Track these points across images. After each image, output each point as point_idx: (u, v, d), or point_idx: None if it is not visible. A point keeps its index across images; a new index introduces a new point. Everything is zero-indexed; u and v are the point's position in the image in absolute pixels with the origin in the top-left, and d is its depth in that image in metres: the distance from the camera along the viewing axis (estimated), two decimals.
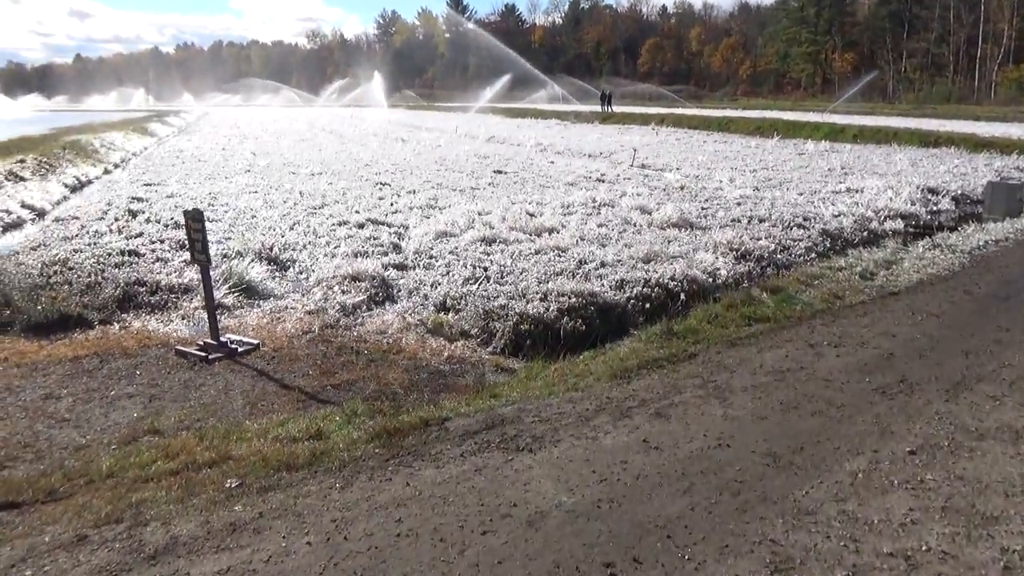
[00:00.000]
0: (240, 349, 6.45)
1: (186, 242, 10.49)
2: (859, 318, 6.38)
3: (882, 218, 12.95)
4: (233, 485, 3.51)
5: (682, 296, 8.26)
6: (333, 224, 11.87)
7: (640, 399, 4.58)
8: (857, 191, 15.59)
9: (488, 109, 66.86)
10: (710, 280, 9.01)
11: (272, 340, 6.82)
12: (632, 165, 21.23)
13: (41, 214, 14.85)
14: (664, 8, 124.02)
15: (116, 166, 24.27)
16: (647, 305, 7.97)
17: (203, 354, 6.26)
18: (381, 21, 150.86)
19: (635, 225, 12.01)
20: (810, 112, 45.80)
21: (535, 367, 5.84)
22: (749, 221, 12.36)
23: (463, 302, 7.73)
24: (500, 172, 19.39)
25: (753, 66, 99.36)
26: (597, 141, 29.87)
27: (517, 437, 4.03)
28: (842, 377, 5.08)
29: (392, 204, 13.84)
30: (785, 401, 4.58)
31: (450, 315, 7.52)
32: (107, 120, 46.32)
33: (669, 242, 10.78)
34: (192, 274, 8.76)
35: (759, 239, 11.03)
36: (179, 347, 6.48)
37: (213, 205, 13.79)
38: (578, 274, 8.77)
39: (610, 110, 51.09)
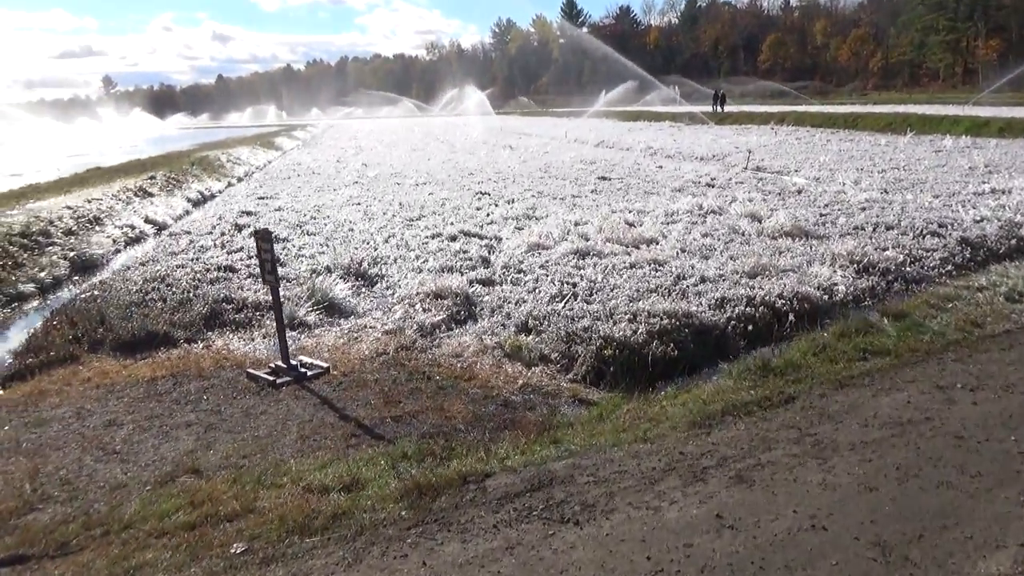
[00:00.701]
0: (310, 373, 6.24)
1: (280, 255, 10.61)
2: (1003, 352, 5.34)
3: None
4: (238, 551, 3.18)
5: (791, 317, 7.42)
6: (426, 237, 11.69)
7: (720, 456, 3.91)
8: (1003, 192, 13.90)
9: (601, 113, 66.09)
10: (825, 297, 8.09)
11: (345, 362, 6.59)
12: (746, 168, 20.05)
13: (162, 228, 15.57)
14: (786, 2, 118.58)
15: (240, 180, 25.40)
16: (750, 327, 7.20)
17: (271, 378, 6.09)
18: (496, 30, 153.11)
19: (743, 234, 11.11)
20: (949, 105, 42.15)
21: (613, 402, 5.25)
22: (874, 229, 11.17)
23: (546, 322, 7.24)
24: (604, 179, 18.76)
25: (885, 58, 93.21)
26: (710, 143, 28.59)
27: (564, 503, 3.48)
28: (979, 433, 4.12)
29: (488, 215, 13.54)
30: (903, 465, 3.73)
31: (531, 337, 7.04)
32: (240, 136, 49.17)
33: (780, 253, 9.86)
34: (281, 290, 8.73)
35: (885, 250, 9.91)
36: (250, 370, 6.35)
37: (315, 218, 13.97)
38: (674, 291, 8.08)
39: (722, 110, 49.17)
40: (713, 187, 16.62)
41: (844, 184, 15.82)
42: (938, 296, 6.78)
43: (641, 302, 7.61)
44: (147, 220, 15.81)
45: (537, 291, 8.37)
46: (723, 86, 62.92)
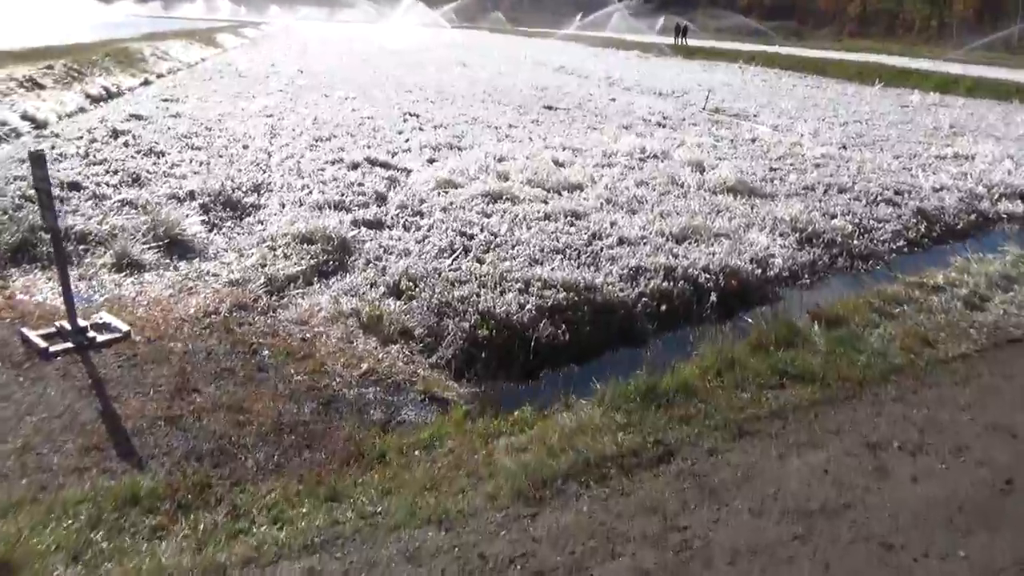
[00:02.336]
0: (99, 339, 4.92)
1: (145, 172, 9.08)
2: (957, 389, 4.20)
3: (996, 196, 10.43)
4: None
5: (713, 297, 6.30)
6: (325, 162, 10.20)
7: (534, 569, 2.77)
8: (967, 158, 12.91)
9: (571, 37, 63.48)
10: (758, 272, 6.99)
11: (157, 324, 5.28)
12: (704, 108, 18.71)
13: (42, 126, 13.67)
14: None
15: (159, 77, 23.07)
16: (663, 307, 6.06)
17: (44, 344, 4.76)
18: None
19: (682, 186, 9.90)
20: (921, 59, 40.97)
21: (455, 417, 4.06)
22: (826, 191, 10.07)
23: (423, 284, 6.00)
24: (550, 108, 17.25)
25: (863, 4, 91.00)
26: (673, 78, 27.04)
27: None
28: (917, 541, 2.94)
29: (407, 140, 12.04)
30: None
31: (399, 303, 5.80)
32: (182, 28, 45.52)
33: (718, 213, 8.70)
34: (120, 219, 7.29)
35: (834, 217, 8.83)
36: (25, 330, 4.99)
37: (211, 130, 12.29)
38: (584, 254, 6.88)
39: (684, 42, 47.36)
40: (664, 127, 15.30)
41: (802, 135, 14.64)
42: (884, 297, 5.64)
43: (541, 267, 6.40)
44: (24, 116, 13.84)
45: (426, 241, 7.08)
46: (680, 20, 60.33)
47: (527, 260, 6.60)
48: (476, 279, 6.07)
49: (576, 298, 5.78)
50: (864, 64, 32.86)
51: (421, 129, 13.23)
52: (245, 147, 10.99)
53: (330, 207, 8.07)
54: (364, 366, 4.86)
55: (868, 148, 13.58)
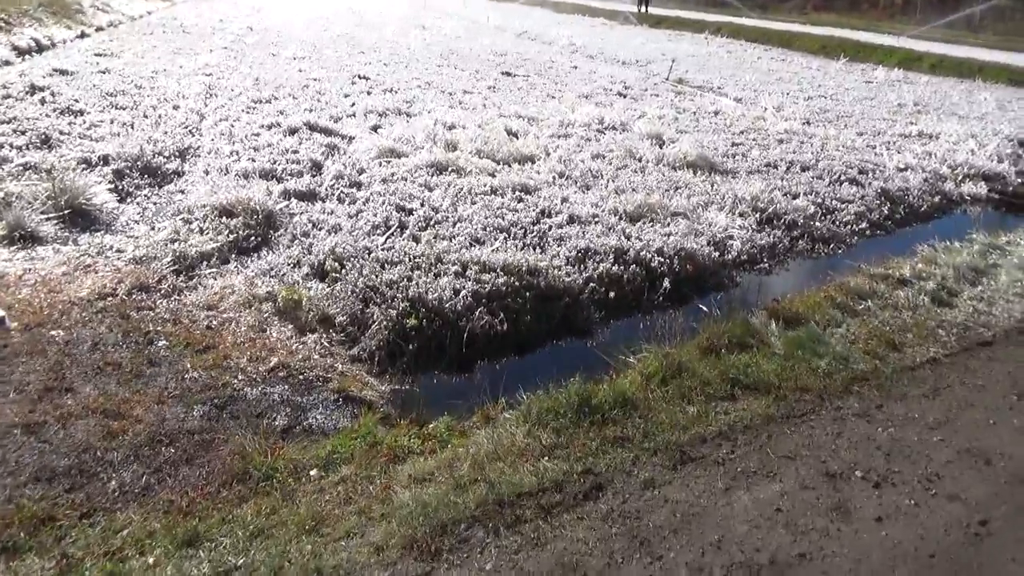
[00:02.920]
0: None
1: (57, 133, 8.29)
2: (926, 403, 3.76)
3: (960, 177, 10.14)
4: None
5: (666, 283, 5.86)
6: (261, 126, 9.49)
7: None
8: (931, 137, 12.62)
9: (536, 2, 62.01)
10: (715, 255, 6.56)
11: (43, 308, 4.66)
12: (667, 79, 18.20)
13: None
14: None
15: (98, 30, 21.78)
16: (612, 293, 5.60)
17: None
18: None
19: (640, 160, 9.42)
20: (885, 34, 40.89)
21: (363, 429, 3.55)
22: (788, 168, 9.68)
23: (350, 265, 5.44)
24: (508, 74, 16.57)
25: None
26: (638, 47, 26.42)
27: None
28: None
29: (353, 104, 11.32)
30: None
31: (322, 285, 5.25)
32: None
33: (676, 190, 8.25)
34: (18, 186, 6.57)
35: (796, 196, 8.44)
36: None
37: (141, 88, 11.42)
38: (531, 233, 6.37)
39: (647, 10, 46.66)
40: (625, 97, 14.76)
41: (766, 109, 14.23)
42: (847, 290, 5.19)
43: (482, 247, 5.89)
44: None
45: (360, 216, 6.50)
46: None
47: (468, 240, 6.07)
48: (410, 260, 5.53)
49: (518, 283, 5.28)
50: (829, 38, 32.56)
51: (369, 93, 12.50)
52: (176, 107, 10.19)
53: (260, 176, 7.44)
54: (273, 360, 4.32)
55: (832, 124, 13.24)
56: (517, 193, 7.41)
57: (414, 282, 5.11)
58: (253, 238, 6.04)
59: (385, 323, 4.70)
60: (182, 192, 7.07)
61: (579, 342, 5.18)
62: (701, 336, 4.39)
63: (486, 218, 6.58)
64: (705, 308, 5.60)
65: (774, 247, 7.15)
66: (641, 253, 6.13)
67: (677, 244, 6.41)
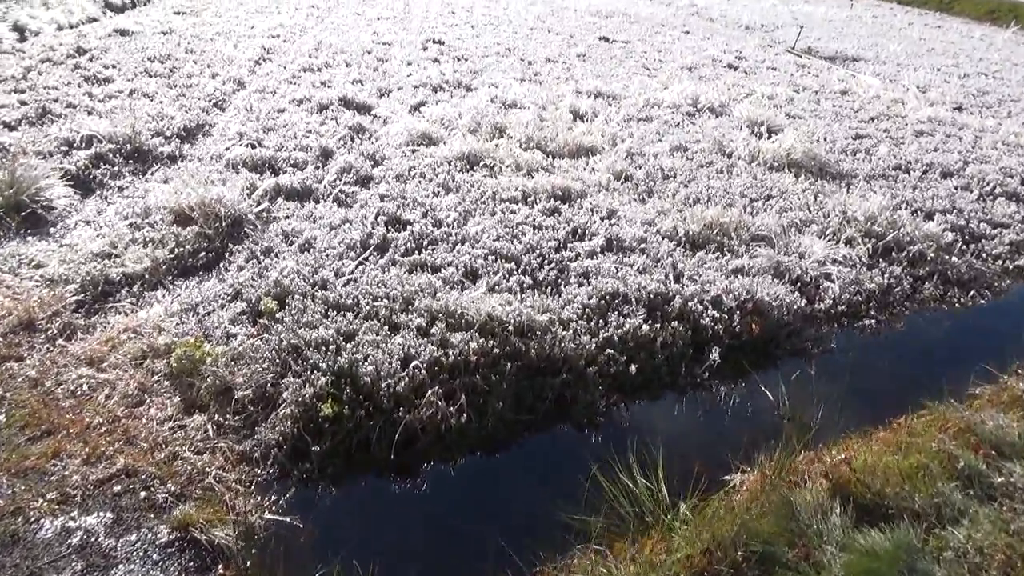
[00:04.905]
0: None
1: (65, 105, 7.51)
2: None
3: None
4: None
5: (715, 352, 4.27)
6: (292, 100, 8.39)
7: None
8: None
9: None
10: (799, 304, 4.88)
11: None
12: (792, 48, 15.82)
13: (25, 39, 12.30)
14: None
15: None
16: (632, 366, 4.08)
17: None
18: None
19: (730, 157, 7.66)
20: None
21: None
22: (925, 172, 7.64)
23: (294, 305, 4.20)
24: (606, 40, 14.76)
25: None
26: (768, 9, 23.66)
27: None
28: None
29: (410, 75, 10.04)
30: None
31: (253, 331, 4.05)
32: None
33: (767, 200, 6.52)
34: None
35: (929, 214, 6.52)
36: None
37: (193, 51, 10.58)
38: (548, 265, 4.91)
39: None
40: (735, 70, 12.70)
41: (907, 89, 11.83)
42: (973, 428, 3.24)
43: (473, 286, 4.50)
44: (15, 27, 12.51)
45: (344, 228, 5.24)
46: None
47: (462, 270, 4.69)
48: (369, 304, 4.22)
49: (498, 350, 3.87)
50: (999, 1, 28.22)
51: (436, 61, 11.16)
52: (214, 76, 9.27)
53: (253, 167, 6.33)
54: (121, 461, 3.15)
55: (991, 112, 10.76)
56: (552, 202, 5.92)
57: (353, 343, 3.81)
58: (204, 254, 4.92)
59: (293, 409, 3.44)
60: (167, 183, 6.05)
61: (576, 435, 3.75)
62: (692, 531, 2.78)
63: (497, 239, 5.16)
64: (766, 391, 4.02)
65: (887, 292, 5.35)
66: (690, 304, 4.54)
67: (745, 289, 4.77)
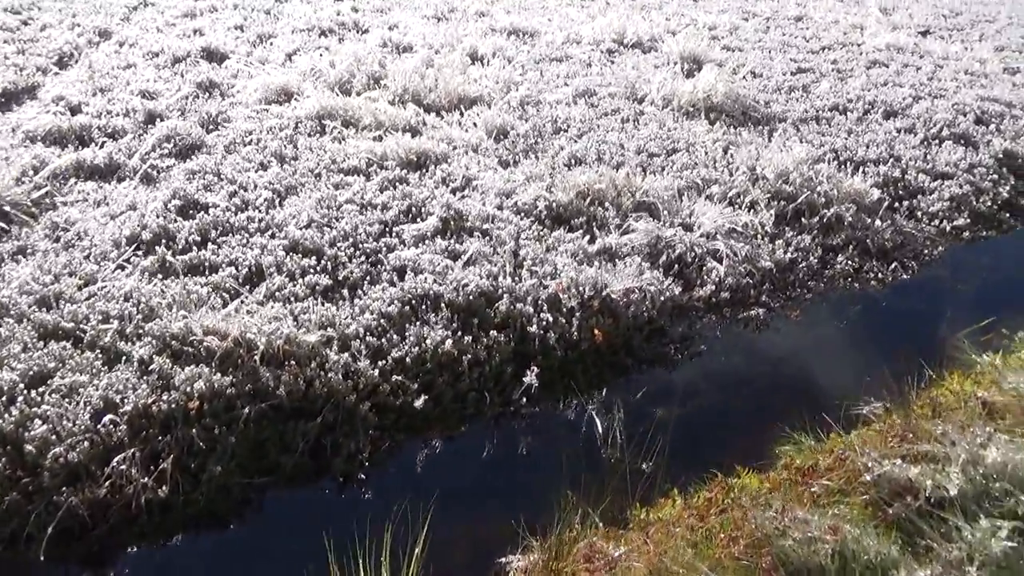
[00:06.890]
0: None
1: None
2: None
3: None
4: None
5: (533, 373, 3.38)
6: (146, 54, 7.32)
7: None
8: None
9: None
10: (677, 295, 3.99)
11: None
12: None
13: None
14: None
15: None
16: (421, 397, 3.21)
17: None
18: None
19: (640, 103, 6.64)
20: None
21: None
22: (866, 112, 6.63)
23: (8, 329, 3.32)
24: None
25: None
26: None
27: None
28: None
29: (303, 16, 8.87)
30: None
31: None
32: None
33: (671, 155, 5.55)
34: None
35: (864, 163, 5.56)
36: None
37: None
38: (359, 256, 3.99)
39: None
40: None
41: (869, 12, 10.63)
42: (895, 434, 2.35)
43: (248, 296, 3.60)
44: None
45: (122, 218, 4.31)
46: None
47: (243, 275, 3.78)
48: (92, 328, 3.33)
49: (235, 388, 3.00)
50: None
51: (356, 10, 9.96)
52: (74, 27, 8.16)
53: (58, 138, 5.36)
54: None
55: (961, 34, 9.61)
56: (401, 171, 4.97)
57: (38, 391, 2.94)
58: None
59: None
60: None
61: (327, 498, 2.93)
62: None
63: (308, 225, 4.23)
64: (596, 417, 3.19)
65: (788, 270, 4.45)
66: (519, 305, 3.65)
67: (597, 281, 3.87)
